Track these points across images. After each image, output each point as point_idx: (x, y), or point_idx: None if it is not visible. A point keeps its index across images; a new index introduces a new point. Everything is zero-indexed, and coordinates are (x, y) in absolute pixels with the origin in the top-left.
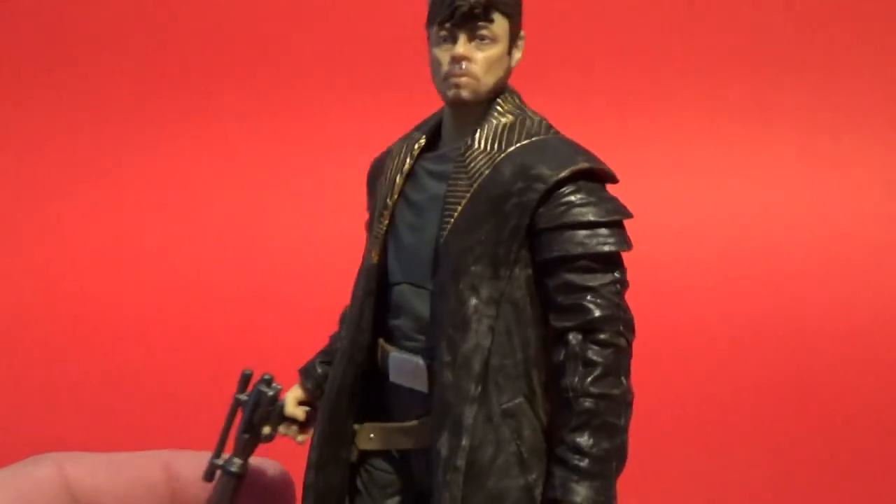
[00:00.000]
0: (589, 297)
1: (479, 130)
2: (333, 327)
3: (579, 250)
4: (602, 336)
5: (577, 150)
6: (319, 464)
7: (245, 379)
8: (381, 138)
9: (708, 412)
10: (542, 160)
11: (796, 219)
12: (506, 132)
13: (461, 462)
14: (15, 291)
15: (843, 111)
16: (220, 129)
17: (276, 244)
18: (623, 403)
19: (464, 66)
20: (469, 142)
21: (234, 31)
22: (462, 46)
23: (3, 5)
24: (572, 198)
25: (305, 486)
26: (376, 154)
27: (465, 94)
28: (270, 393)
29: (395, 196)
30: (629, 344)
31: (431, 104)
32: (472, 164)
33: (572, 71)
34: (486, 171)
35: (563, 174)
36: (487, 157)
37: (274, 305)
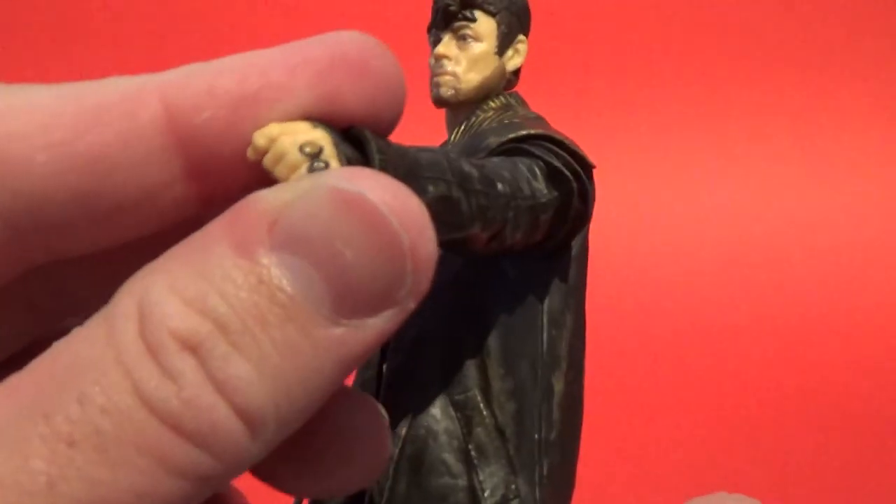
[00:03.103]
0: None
1: (456, 127)
2: None
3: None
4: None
5: (534, 126)
6: None
7: None
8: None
9: (706, 413)
10: (493, 135)
11: (796, 219)
12: (479, 126)
13: (393, 450)
14: None
15: (843, 111)
16: None
17: None
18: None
19: (444, 65)
20: (447, 141)
21: (235, 30)
22: (443, 46)
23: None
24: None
25: None
26: None
27: (444, 91)
28: None
29: None
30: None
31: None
32: None
33: (572, 71)
34: None
35: (507, 138)
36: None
37: None
